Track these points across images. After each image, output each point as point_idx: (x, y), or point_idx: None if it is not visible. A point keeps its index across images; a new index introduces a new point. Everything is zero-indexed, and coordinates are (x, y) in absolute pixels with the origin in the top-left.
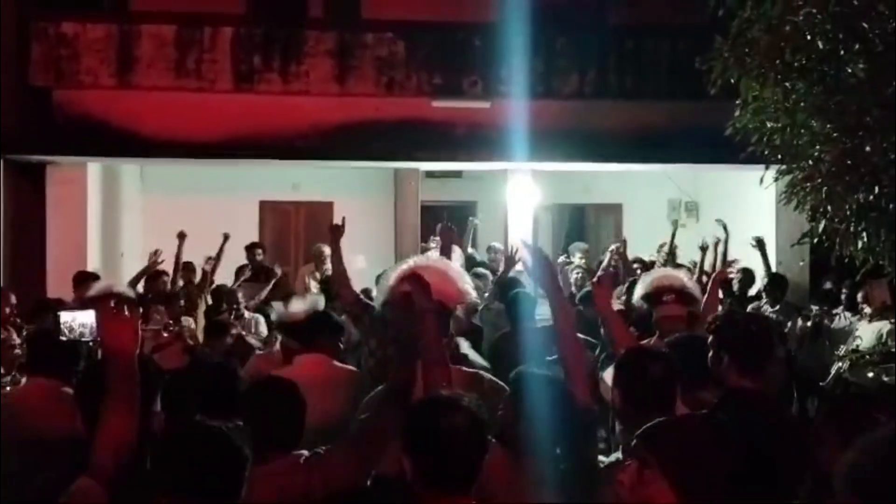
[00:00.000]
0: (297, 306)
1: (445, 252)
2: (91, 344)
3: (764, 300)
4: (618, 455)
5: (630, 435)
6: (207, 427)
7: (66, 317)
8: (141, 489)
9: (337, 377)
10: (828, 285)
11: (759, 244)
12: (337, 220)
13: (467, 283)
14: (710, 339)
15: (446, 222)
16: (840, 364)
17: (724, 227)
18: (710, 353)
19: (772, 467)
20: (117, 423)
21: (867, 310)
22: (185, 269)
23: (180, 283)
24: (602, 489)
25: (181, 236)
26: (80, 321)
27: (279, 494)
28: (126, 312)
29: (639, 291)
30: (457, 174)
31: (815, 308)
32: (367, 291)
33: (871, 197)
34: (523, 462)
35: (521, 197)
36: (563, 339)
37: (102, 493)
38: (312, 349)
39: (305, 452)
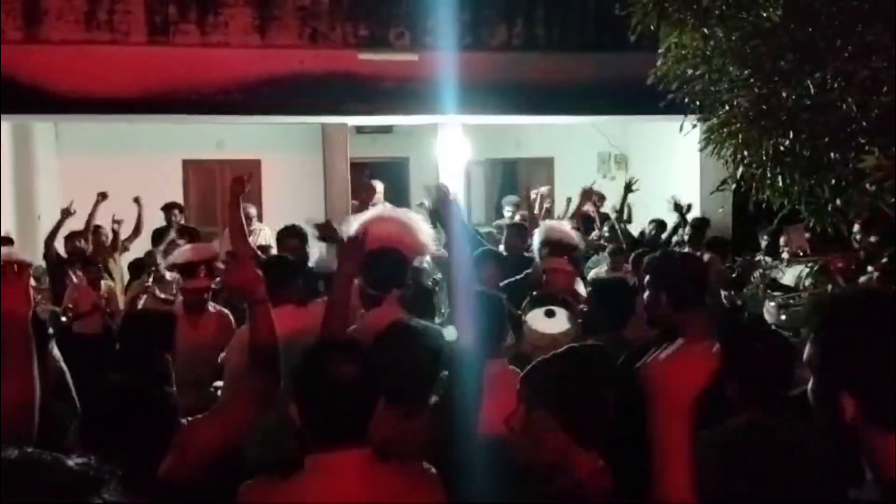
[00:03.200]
0: (188, 246)
1: (364, 209)
2: None
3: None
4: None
5: None
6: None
7: None
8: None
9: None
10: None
11: (676, 207)
12: (263, 178)
13: (429, 236)
14: (647, 278)
15: (367, 179)
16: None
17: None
18: (647, 293)
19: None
20: (15, 386)
21: (785, 255)
22: (95, 232)
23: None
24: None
25: (102, 196)
26: None
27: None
28: (17, 275)
29: (535, 243)
30: (387, 129)
31: (738, 259)
32: (265, 249)
33: (786, 142)
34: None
35: (452, 152)
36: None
37: None
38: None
39: None
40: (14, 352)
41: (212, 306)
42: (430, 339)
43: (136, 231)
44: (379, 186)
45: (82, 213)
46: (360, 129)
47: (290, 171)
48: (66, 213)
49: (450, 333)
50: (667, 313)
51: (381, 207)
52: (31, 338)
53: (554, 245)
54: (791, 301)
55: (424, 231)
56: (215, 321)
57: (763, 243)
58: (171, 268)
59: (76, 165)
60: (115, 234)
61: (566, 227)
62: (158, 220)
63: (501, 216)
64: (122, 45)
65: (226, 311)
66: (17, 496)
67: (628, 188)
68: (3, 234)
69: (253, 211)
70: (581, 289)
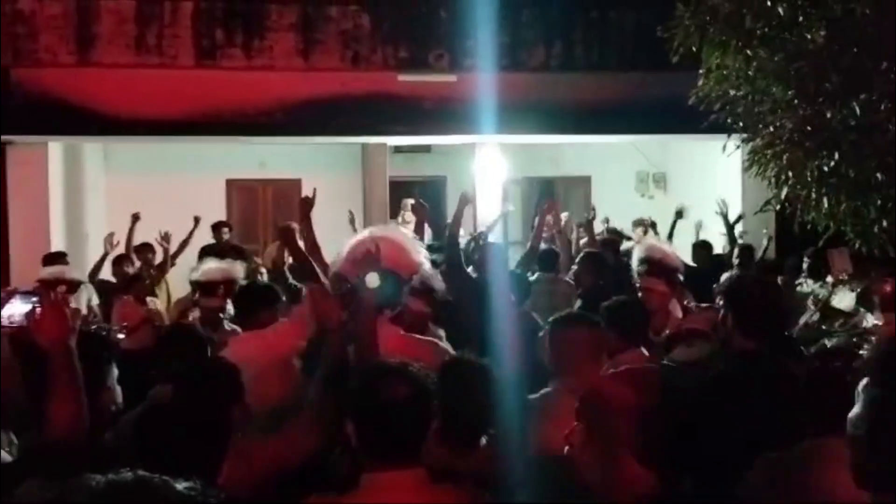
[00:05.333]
0: (213, 265)
1: (419, 229)
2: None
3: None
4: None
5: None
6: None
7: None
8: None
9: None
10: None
11: (723, 214)
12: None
13: (422, 254)
14: (720, 301)
15: (419, 198)
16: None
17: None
18: (720, 315)
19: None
20: (59, 410)
21: (829, 278)
22: (142, 250)
23: (137, 264)
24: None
25: (135, 218)
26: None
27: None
28: (56, 300)
29: (634, 261)
30: (425, 149)
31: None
32: None
33: (832, 163)
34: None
35: (489, 171)
36: None
37: None
38: (254, 325)
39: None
40: (58, 378)
41: (227, 324)
42: (487, 374)
43: (183, 246)
44: (409, 202)
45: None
46: (398, 149)
47: (329, 190)
48: (110, 247)
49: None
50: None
51: (373, 228)
52: (73, 362)
53: (654, 265)
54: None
55: (417, 250)
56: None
57: (805, 265)
58: (192, 283)
59: (123, 185)
60: (165, 251)
61: (668, 248)
62: (205, 238)
63: None
64: (170, 69)
65: (239, 328)
66: None
67: (679, 215)
68: (60, 252)
69: (296, 227)
70: (678, 311)
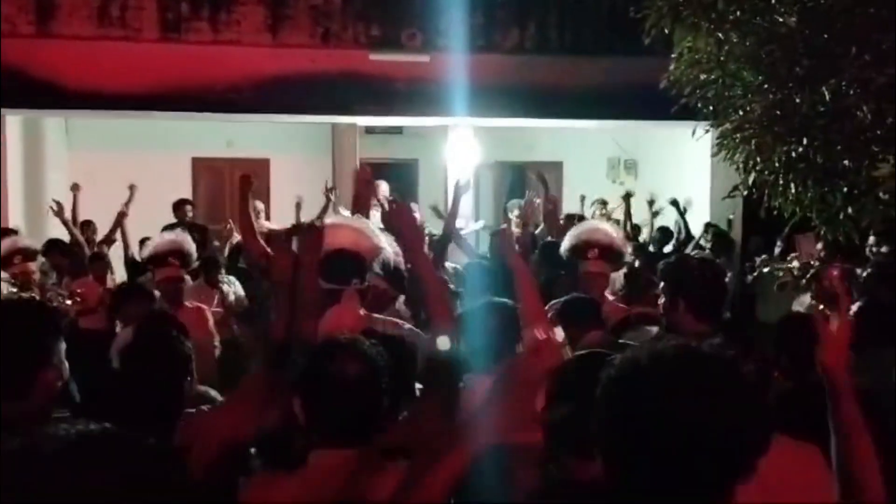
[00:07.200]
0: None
1: (360, 203)
2: None
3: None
4: None
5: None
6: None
7: None
8: None
9: None
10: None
11: (674, 204)
12: (272, 178)
13: (383, 240)
14: (662, 285)
15: (362, 169)
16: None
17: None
18: (663, 300)
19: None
20: None
21: (795, 263)
22: (86, 226)
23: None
24: None
25: (75, 188)
26: None
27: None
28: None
29: (565, 245)
30: (397, 130)
31: (757, 259)
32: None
33: (800, 148)
34: None
35: (461, 154)
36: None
37: None
38: None
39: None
40: None
41: (189, 302)
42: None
43: (120, 219)
44: (384, 186)
45: (91, 211)
46: (369, 130)
47: (298, 171)
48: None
49: (442, 343)
50: (686, 322)
51: (335, 216)
52: None
53: (603, 249)
54: None
55: (379, 236)
56: (188, 315)
57: (777, 249)
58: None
59: (86, 161)
60: (97, 231)
61: (616, 233)
62: (167, 217)
63: (508, 220)
64: (133, 42)
65: (203, 306)
66: (96, 471)
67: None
68: (11, 228)
69: (260, 205)
70: (609, 297)
